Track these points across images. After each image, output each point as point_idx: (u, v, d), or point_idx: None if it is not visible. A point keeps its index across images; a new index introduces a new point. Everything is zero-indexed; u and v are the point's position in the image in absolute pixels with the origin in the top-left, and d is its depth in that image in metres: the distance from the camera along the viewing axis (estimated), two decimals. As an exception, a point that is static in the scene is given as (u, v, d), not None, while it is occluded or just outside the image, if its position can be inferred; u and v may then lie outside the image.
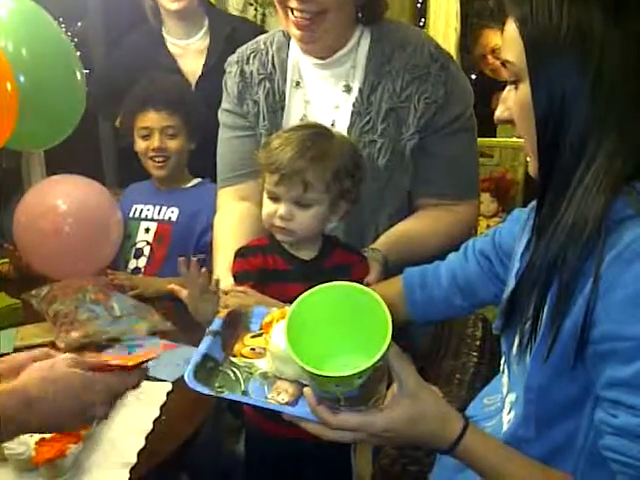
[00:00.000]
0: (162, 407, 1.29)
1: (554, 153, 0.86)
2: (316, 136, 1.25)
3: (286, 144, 1.23)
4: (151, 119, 2.00)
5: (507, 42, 0.90)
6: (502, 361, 1.08)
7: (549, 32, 0.84)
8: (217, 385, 0.96)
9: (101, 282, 1.84)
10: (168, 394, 1.33)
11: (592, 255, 0.81)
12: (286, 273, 1.28)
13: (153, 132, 2.01)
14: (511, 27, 0.88)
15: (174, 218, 2.02)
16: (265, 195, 1.28)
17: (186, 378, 0.94)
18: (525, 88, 0.88)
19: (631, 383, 0.79)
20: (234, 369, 1.00)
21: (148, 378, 1.33)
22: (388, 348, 0.82)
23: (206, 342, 1.02)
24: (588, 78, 0.82)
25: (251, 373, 1.00)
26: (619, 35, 0.82)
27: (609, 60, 0.82)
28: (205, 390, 0.94)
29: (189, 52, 2.38)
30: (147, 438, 1.20)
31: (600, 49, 0.82)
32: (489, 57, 3.73)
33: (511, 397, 1.00)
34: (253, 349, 1.04)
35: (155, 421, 1.25)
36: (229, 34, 2.28)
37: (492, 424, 1.03)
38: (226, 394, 0.95)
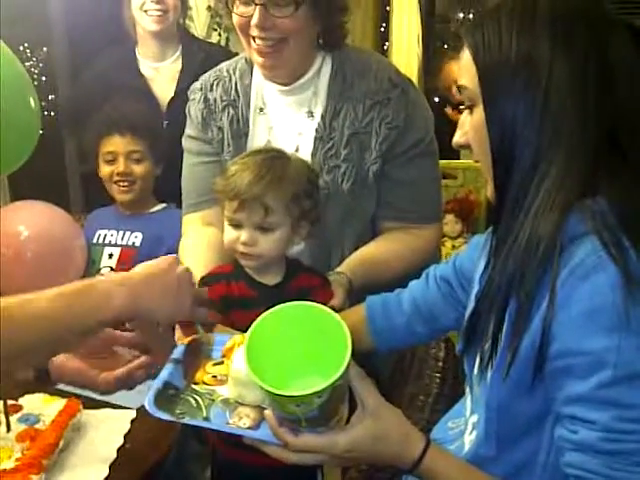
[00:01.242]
0: (126, 435, 1.28)
1: (508, 175, 0.89)
2: (272, 160, 1.27)
3: (243, 170, 1.24)
4: (116, 143, 2.00)
5: (462, 68, 0.94)
6: (465, 383, 1.09)
7: (500, 59, 0.88)
8: (178, 412, 0.96)
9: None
10: (132, 422, 1.31)
11: (548, 272, 0.83)
12: (251, 299, 1.28)
13: (118, 157, 2.00)
14: (466, 54, 0.92)
15: (138, 243, 2.01)
16: (226, 222, 1.28)
17: (146, 405, 0.94)
18: (480, 113, 0.91)
19: (589, 398, 0.80)
20: (195, 396, 1.00)
21: (111, 406, 1.34)
22: (347, 368, 0.83)
23: (167, 369, 1.02)
24: (537, 102, 0.86)
25: (213, 400, 1.00)
26: (565, 61, 0.85)
27: (557, 84, 0.85)
28: (165, 416, 0.94)
29: (162, 75, 2.39)
30: (111, 467, 1.19)
31: (548, 74, 0.85)
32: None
33: (473, 418, 1.01)
34: (215, 376, 1.05)
35: (119, 449, 1.24)
36: (202, 59, 2.29)
37: (455, 446, 1.04)
38: (187, 419, 0.95)
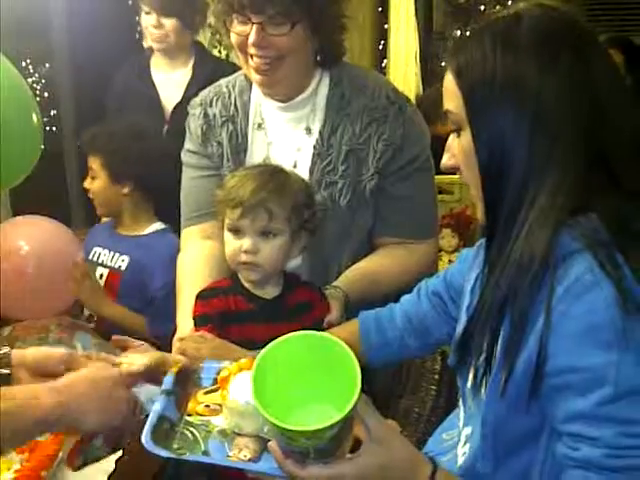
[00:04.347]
0: (124, 447, 1.29)
1: (499, 194, 0.89)
2: (273, 171, 1.32)
3: (245, 180, 1.28)
4: (90, 159, 2.06)
5: (447, 92, 0.94)
6: (458, 395, 1.09)
7: (484, 82, 0.88)
8: (176, 447, 0.95)
9: (64, 321, 1.84)
10: (131, 433, 1.32)
11: (542, 290, 0.84)
12: (248, 313, 1.29)
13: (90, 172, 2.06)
14: (448, 78, 0.92)
15: (123, 267, 2.01)
16: (227, 232, 1.30)
17: (144, 442, 0.92)
18: (467, 136, 0.91)
19: (590, 415, 0.81)
20: (191, 428, 0.99)
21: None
22: (358, 397, 0.81)
23: (161, 402, 1.00)
24: (526, 123, 0.86)
25: (209, 431, 0.98)
26: (554, 81, 0.86)
27: (546, 105, 0.86)
28: (165, 453, 0.93)
29: (171, 81, 2.47)
30: (110, 478, 1.20)
31: (536, 95, 0.86)
32: None
33: (467, 431, 1.02)
34: (207, 406, 1.03)
35: (117, 461, 1.24)
36: (212, 70, 2.35)
37: (448, 458, 1.04)
38: (187, 455, 0.94)
